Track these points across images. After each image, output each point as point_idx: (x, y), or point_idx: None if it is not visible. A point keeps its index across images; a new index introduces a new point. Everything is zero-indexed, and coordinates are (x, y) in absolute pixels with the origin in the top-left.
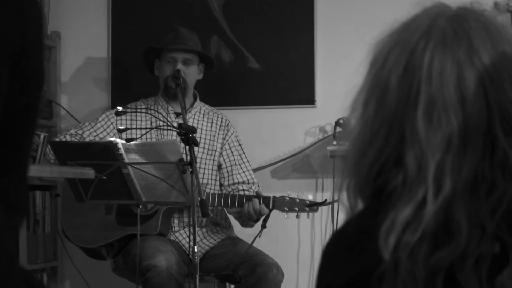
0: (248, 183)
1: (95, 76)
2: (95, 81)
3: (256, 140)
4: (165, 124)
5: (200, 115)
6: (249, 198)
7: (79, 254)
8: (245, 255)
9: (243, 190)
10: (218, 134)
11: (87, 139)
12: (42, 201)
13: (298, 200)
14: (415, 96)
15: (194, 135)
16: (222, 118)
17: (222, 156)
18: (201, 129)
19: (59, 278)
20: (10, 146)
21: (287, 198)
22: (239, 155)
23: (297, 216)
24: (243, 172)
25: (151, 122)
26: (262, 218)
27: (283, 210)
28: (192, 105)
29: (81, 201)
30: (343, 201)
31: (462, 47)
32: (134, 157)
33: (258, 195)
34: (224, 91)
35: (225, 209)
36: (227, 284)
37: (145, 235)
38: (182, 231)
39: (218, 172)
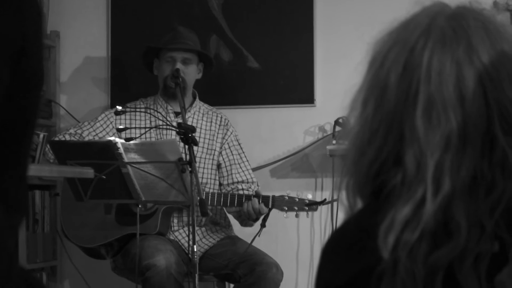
0: (248, 182)
1: (95, 75)
2: (94, 80)
3: (256, 139)
4: (164, 123)
5: (199, 115)
6: (248, 197)
7: (78, 253)
8: (244, 254)
9: (243, 189)
10: (218, 133)
11: (86, 139)
12: (42, 200)
13: (297, 199)
14: (414, 95)
15: (194, 134)
16: (221, 118)
17: (222, 156)
18: (201, 128)
19: (58, 277)
20: (10, 146)
21: (287, 198)
22: (238, 154)
23: (297, 215)
24: (243, 171)
25: (150, 122)
26: (262, 217)
27: (282, 209)
28: (191, 105)
29: (81, 200)
30: (343, 200)
31: (461, 46)
32: (133, 157)
33: (257, 194)
34: (223, 90)
35: (224, 208)
36: (227, 283)
37: (144, 235)
38: (181, 231)
39: (217, 172)
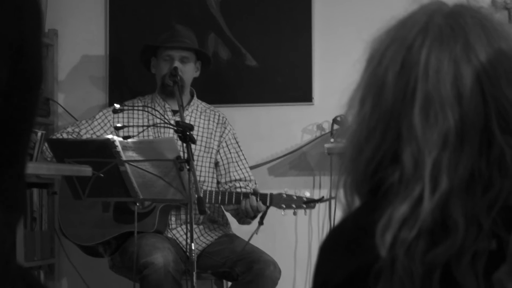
0: (245, 180)
1: (93, 74)
2: (92, 79)
3: (254, 138)
4: (162, 121)
5: (197, 113)
6: (246, 195)
7: (76, 251)
8: (242, 252)
9: (240, 187)
10: (215, 131)
11: (84, 137)
12: (39, 198)
13: (295, 197)
14: (412, 93)
15: (191, 132)
16: (219, 116)
17: (219, 154)
18: (198, 126)
19: (56, 275)
20: (9, 144)
21: (284, 195)
22: (236, 152)
23: (294, 213)
24: (240, 169)
25: (148, 120)
26: (259, 215)
27: (280, 207)
28: (189, 103)
29: (79, 198)
30: (340, 198)
31: (459, 44)
32: (131, 155)
33: (255, 192)
34: (221, 88)
35: (222, 206)
36: (224, 281)
37: (142, 233)
38: (179, 229)
39: (215, 170)
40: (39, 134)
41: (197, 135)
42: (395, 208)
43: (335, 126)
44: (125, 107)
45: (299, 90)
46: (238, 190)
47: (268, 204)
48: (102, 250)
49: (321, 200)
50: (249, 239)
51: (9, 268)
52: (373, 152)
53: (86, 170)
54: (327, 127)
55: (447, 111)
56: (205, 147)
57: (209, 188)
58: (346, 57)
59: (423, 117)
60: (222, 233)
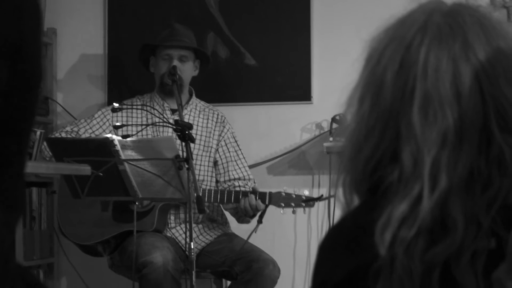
0: (244, 179)
1: (91, 73)
2: (91, 78)
3: (253, 137)
4: (161, 120)
5: (196, 112)
6: (245, 193)
7: (75, 251)
8: (241, 251)
9: (239, 186)
10: (214, 130)
11: (83, 136)
12: (39, 197)
13: (294, 196)
14: (411, 92)
15: (190, 131)
16: (218, 115)
17: (218, 153)
18: (197, 125)
19: (55, 274)
20: (8, 144)
21: (283, 194)
22: (235, 151)
23: (294, 212)
24: (239, 168)
25: (147, 119)
26: (258, 213)
27: (279, 206)
28: (188, 102)
29: (78, 197)
30: (339, 197)
31: (458, 43)
32: (130, 154)
33: (254, 191)
34: (220, 87)
35: (221, 205)
36: (224, 280)
37: (141, 232)
38: (178, 228)
39: (214, 169)
40: (38, 133)
41: (196, 134)
42: (394, 207)
43: (334, 125)
44: (124, 106)
45: (298, 89)
46: (237, 189)
47: (267, 202)
48: (101, 249)
49: (320, 198)
50: (248, 238)
51: (8, 267)
52: (372, 151)
53: (85, 169)
54: (326, 126)
55: (446, 109)
56: (204, 146)
57: (208, 187)
58: (345, 56)
59: (422, 116)
60: (221, 232)
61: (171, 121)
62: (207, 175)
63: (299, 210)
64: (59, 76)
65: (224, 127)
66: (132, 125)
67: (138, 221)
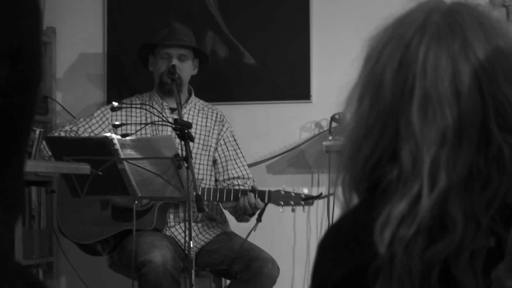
0: (243, 178)
1: (91, 72)
2: (90, 77)
3: (252, 136)
4: (160, 119)
5: (195, 111)
6: (244, 192)
7: (74, 250)
8: (240, 250)
9: (238, 185)
10: (213, 129)
11: (82, 135)
12: (38, 196)
13: (293, 194)
14: (410, 91)
15: (190, 130)
16: (217, 114)
17: (217, 152)
18: (196, 124)
19: (54, 273)
20: (7, 143)
21: (283, 192)
22: (234, 150)
23: (293, 210)
24: (238, 167)
25: (146, 118)
26: (258, 212)
27: (278, 204)
28: (187, 101)
29: (77, 196)
30: (339, 196)
31: (457, 42)
32: (129, 153)
33: (253, 189)
34: (219, 86)
35: (220, 204)
36: (223, 279)
37: (140, 231)
38: (177, 226)
39: (213, 168)
40: (37, 132)
41: (195, 133)
42: (393, 205)
43: (333, 124)
44: (123, 105)
45: (297, 88)
46: (236, 187)
47: (266, 201)
48: (101, 249)
49: (319, 197)
50: (247, 236)
51: (7, 266)
52: (371, 149)
53: (85, 168)
54: (325, 125)
55: (445, 108)
56: (203, 145)
57: (207, 186)
58: (344, 55)
59: (421, 115)
60: (220, 231)
61: (170, 120)
62: (206, 174)
63: (298, 208)
64: (58, 75)
65: (223, 126)
66: (131, 124)
67: (137, 220)
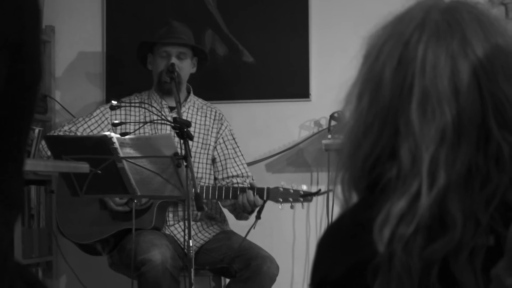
0: (242, 176)
1: (90, 71)
2: (89, 76)
3: (251, 134)
4: (159, 118)
5: (194, 109)
6: (243, 189)
7: (73, 250)
8: (239, 248)
9: (237, 183)
10: (212, 128)
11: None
12: (37, 196)
13: (292, 191)
14: (409, 89)
15: (189, 129)
16: (215, 112)
17: (216, 150)
18: (195, 123)
19: (54, 272)
20: (7, 142)
21: (281, 189)
22: (233, 148)
23: (292, 207)
24: (237, 165)
25: (145, 117)
26: (257, 209)
27: (277, 201)
28: (185, 99)
29: (76, 195)
30: (338, 194)
31: (456, 39)
32: (128, 151)
33: (252, 187)
34: (218, 85)
35: (219, 202)
36: (222, 278)
37: (140, 230)
38: (177, 225)
39: (212, 166)
40: (37, 131)
41: (194, 132)
42: (393, 203)
43: (333, 122)
44: (122, 104)
45: (296, 86)
46: (235, 185)
47: (265, 198)
48: (100, 248)
49: (318, 193)
50: (246, 235)
51: (7, 266)
52: (370, 148)
53: (84, 167)
54: (324, 123)
55: (444, 106)
56: (202, 143)
57: (206, 185)
58: (343, 53)
59: (420, 113)
60: (219, 230)
61: (169, 118)
62: (205, 173)
63: (298, 207)
64: (57, 74)
65: (222, 124)
66: (130, 122)
67: (136, 219)
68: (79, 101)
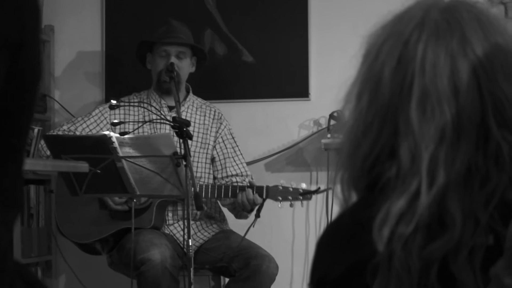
0: (242, 175)
1: (89, 70)
2: (88, 75)
3: (250, 134)
4: (158, 117)
5: (193, 109)
6: (242, 188)
7: (72, 250)
8: (238, 248)
9: (237, 182)
10: (211, 127)
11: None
12: (36, 195)
13: (291, 189)
14: (409, 88)
15: (188, 128)
16: (215, 111)
17: (215, 149)
18: (194, 122)
19: (53, 272)
20: (6, 142)
21: (281, 187)
22: (232, 148)
23: (291, 205)
24: (237, 164)
25: (144, 116)
26: (256, 208)
27: (276, 199)
28: (185, 99)
29: (75, 195)
30: (337, 194)
31: (455, 38)
32: (128, 151)
33: (251, 185)
34: (218, 84)
35: (219, 201)
36: (222, 277)
37: (139, 229)
38: (176, 225)
39: (211, 166)
40: (36, 130)
41: (193, 131)
42: (392, 203)
43: (332, 122)
44: (122, 103)
45: (295, 86)
46: (235, 184)
47: (264, 196)
48: (100, 248)
49: (317, 191)
50: (246, 233)
51: (6, 265)
52: (370, 147)
53: (83, 166)
54: (324, 122)
55: (444, 105)
56: (201, 142)
57: (205, 183)
58: (343, 53)
59: (420, 112)
60: (219, 229)
61: (168, 118)
62: (205, 172)
63: (297, 206)
64: (56, 73)
65: (221, 123)
66: (129, 122)
67: (136, 218)
68: (78, 101)
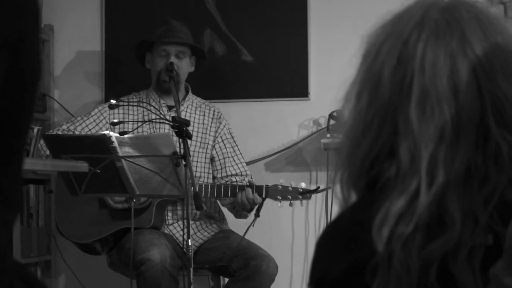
0: (241, 175)
1: (88, 70)
2: (88, 75)
3: (250, 133)
4: (158, 117)
5: (192, 108)
6: (241, 187)
7: (72, 250)
8: (238, 248)
9: (236, 182)
10: (211, 127)
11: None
12: (36, 195)
13: (291, 188)
14: (408, 88)
15: (188, 128)
16: (214, 111)
17: (215, 149)
18: (194, 122)
19: (53, 272)
20: (6, 142)
21: (280, 187)
22: (232, 147)
23: (291, 204)
24: (236, 164)
25: (143, 116)
26: (256, 207)
27: (276, 199)
28: (184, 98)
29: (75, 195)
30: (337, 193)
31: (455, 38)
32: (127, 150)
33: (250, 184)
34: (217, 84)
35: (218, 201)
36: (221, 277)
37: (139, 229)
38: (176, 224)
39: (210, 165)
40: (36, 130)
41: (193, 131)
42: (391, 202)
43: (332, 122)
44: (121, 103)
45: (295, 86)
46: (234, 183)
47: (264, 196)
48: (99, 248)
49: (317, 190)
50: (245, 233)
51: (6, 265)
52: (369, 146)
53: (83, 166)
54: (323, 122)
55: (444, 105)
56: (201, 142)
57: (204, 183)
58: (342, 52)
59: (419, 111)
60: (218, 229)
61: (168, 117)
62: (204, 172)
63: (297, 205)
64: (56, 73)
65: (220, 123)
66: (129, 121)
67: (135, 218)
68: (78, 100)
